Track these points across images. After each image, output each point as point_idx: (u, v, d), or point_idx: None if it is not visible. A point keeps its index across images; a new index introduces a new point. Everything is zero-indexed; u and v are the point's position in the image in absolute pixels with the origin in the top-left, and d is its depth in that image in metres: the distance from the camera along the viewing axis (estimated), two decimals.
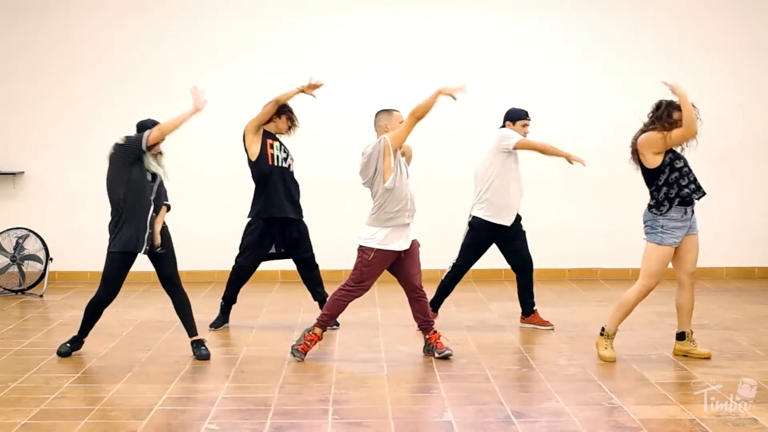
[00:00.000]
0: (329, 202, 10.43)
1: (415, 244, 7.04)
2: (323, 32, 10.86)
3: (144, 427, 5.49)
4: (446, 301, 8.28)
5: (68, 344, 7.19)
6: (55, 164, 10.72)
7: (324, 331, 7.14)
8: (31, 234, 10.12)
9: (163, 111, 10.50)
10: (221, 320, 8.22)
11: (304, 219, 8.25)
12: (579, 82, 10.87)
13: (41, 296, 9.85)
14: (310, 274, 8.28)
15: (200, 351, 7.03)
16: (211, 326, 8.11)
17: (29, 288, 10.05)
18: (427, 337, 7.08)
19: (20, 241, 10.07)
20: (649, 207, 6.85)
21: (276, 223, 8.08)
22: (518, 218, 8.10)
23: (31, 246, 10.10)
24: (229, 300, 8.27)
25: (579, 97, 10.85)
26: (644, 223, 6.89)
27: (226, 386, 6.33)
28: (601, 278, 10.72)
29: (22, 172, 10.79)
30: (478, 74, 10.84)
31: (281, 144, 8.15)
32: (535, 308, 8.14)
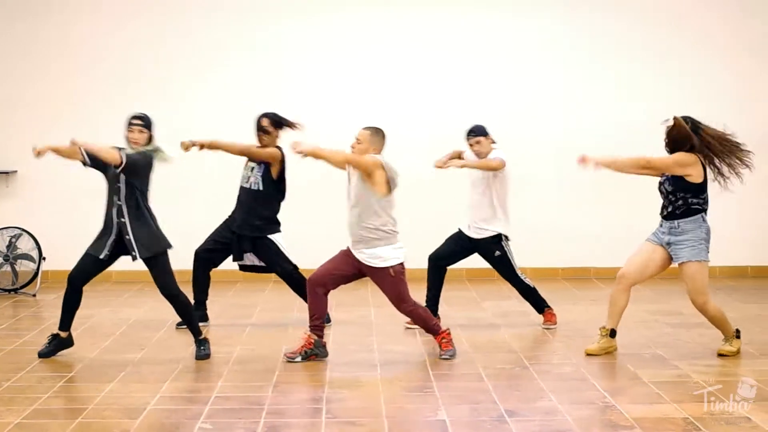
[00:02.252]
0: (330, 202, 10.38)
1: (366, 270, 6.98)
2: (323, 32, 10.83)
3: (137, 426, 5.48)
4: (439, 300, 8.21)
5: (48, 343, 7.14)
6: (48, 163, 10.62)
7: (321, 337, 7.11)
8: (24, 233, 10.09)
9: (163, 111, 10.56)
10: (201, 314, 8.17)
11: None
12: (579, 82, 10.84)
13: (34, 295, 9.83)
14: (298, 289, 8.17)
15: (200, 351, 7.01)
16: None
17: (22, 287, 10.03)
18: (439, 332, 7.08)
19: (13, 240, 10.04)
20: (696, 211, 6.82)
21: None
22: (489, 240, 7.98)
23: (24, 245, 10.07)
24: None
25: (579, 97, 10.82)
26: (680, 235, 6.80)
27: (220, 385, 6.32)
28: (595, 277, 10.72)
29: (15, 171, 10.77)
30: (478, 74, 10.83)
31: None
32: (549, 307, 8.15)
